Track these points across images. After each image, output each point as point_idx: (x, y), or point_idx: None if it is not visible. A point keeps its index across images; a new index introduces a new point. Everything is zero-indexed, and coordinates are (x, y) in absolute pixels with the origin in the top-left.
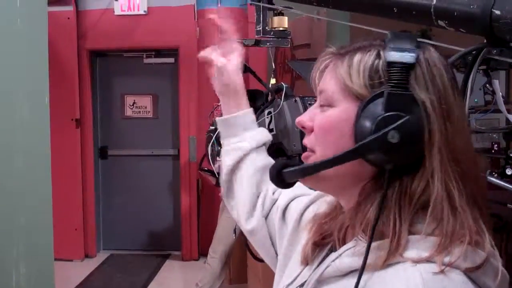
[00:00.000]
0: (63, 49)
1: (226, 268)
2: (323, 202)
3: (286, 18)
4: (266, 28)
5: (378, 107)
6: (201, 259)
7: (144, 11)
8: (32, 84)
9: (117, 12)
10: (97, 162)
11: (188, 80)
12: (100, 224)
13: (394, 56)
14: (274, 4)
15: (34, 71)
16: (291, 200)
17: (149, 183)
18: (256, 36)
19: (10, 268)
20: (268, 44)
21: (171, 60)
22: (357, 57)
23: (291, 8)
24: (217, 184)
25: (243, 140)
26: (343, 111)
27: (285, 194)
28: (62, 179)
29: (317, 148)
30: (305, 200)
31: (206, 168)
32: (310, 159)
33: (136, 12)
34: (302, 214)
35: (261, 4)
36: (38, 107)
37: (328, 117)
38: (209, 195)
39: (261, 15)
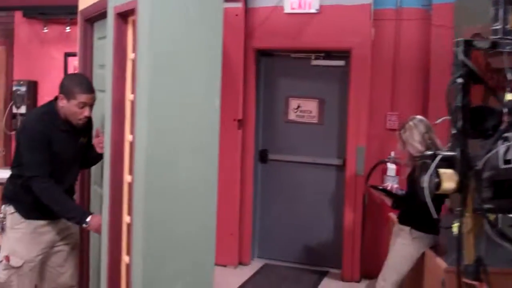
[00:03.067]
0: (231, 47)
1: None
2: None
3: None
4: (507, 27)
5: None
6: (362, 282)
7: (316, 10)
8: (205, 84)
9: (287, 10)
10: (257, 165)
11: (360, 85)
12: (256, 230)
13: None
14: None
15: (208, 70)
16: None
17: (309, 192)
18: (492, 36)
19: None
20: (508, 47)
21: (341, 62)
22: None
23: None
24: (395, 206)
25: None
26: None
27: None
28: (221, 181)
29: None
30: None
31: (380, 187)
32: None
33: (307, 10)
34: None
35: None
36: (209, 107)
37: None
38: (374, 213)
39: (501, 10)
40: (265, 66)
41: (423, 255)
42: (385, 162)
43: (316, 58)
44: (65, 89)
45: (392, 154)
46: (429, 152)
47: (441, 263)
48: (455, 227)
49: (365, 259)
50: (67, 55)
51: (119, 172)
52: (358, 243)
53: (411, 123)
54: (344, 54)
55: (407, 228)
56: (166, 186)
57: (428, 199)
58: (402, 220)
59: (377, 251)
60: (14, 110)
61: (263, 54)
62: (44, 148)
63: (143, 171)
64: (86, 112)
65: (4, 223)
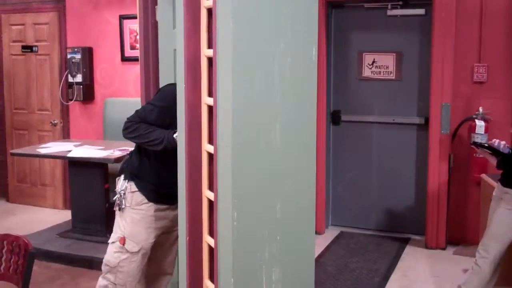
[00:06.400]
0: None
1: (498, 271)
2: None
3: None
4: None
5: None
6: (448, 249)
7: None
8: (299, 29)
9: None
10: (329, 128)
11: (443, 35)
12: (329, 197)
13: None
14: None
15: (303, 13)
16: None
17: (387, 155)
18: None
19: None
20: None
21: (422, 11)
22: None
23: None
24: (500, 165)
25: None
26: None
27: None
28: None
29: None
30: None
31: (486, 144)
32: None
33: None
34: None
35: None
36: (305, 58)
37: None
38: (461, 175)
39: None
40: (336, 19)
41: None
42: (473, 119)
43: (393, 8)
44: None
45: (480, 109)
46: None
47: None
48: None
49: (451, 224)
50: (123, 17)
51: (197, 141)
52: (444, 207)
53: None
54: (424, 1)
55: None
56: (257, 156)
57: None
58: (507, 182)
59: (464, 215)
60: (70, 80)
61: (334, 5)
62: (163, 113)
63: (229, 139)
64: None
65: (123, 200)
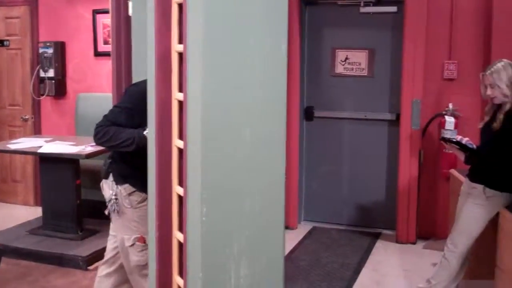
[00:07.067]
0: None
1: (466, 265)
2: None
3: None
4: None
5: None
6: (418, 243)
7: None
8: (268, 24)
9: None
10: (302, 124)
11: (415, 32)
12: (302, 193)
13: None
14: None
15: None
16: None
17: (359, 151)
18: None
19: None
20: None
21: (394, 9)
22: None
23: None
24: (467, 161)
25: None
26: None
27: None
28: None
29: None
30: None
31: (454, 140)
32: None
33: None
34: None
35: None
36: (274, 55)
37: None
38: (432, 170)
39: None
40: (310, 15)
41: (496, 216)
42: (443, 115)
43: (366, 5)
44: None
45: (450, 106)
46: None
47: None
48: None
49: (421, 219)
50: (96, 12)
51: (167, 137)
52: (414, 202)
53: (500, 64)
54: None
55: (480, 187)
56: (227, 151)
57: None
58: (474, 178)
59: (434, 210)
60: (42, 74)
61: (308, 2)
62: (131, 114)
63: (198, 134)
64: None
65: (117, 204)
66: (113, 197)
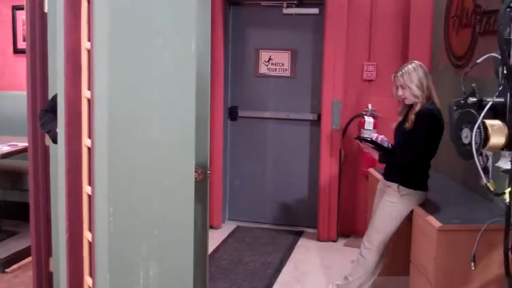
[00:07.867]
0: None
1: (382, 261)
2: None
3: None
4: None
5: None
6: (339, 241)
7: None
8: (176, 21)
9: None
10: (226, 123)
11: (335, 34)
12: (226, 192)
13: None
14: None
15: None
16: None
17: (282, 150)
18: None
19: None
20: None
21: (316, 10)
22: None
23: None
24: (381, 159)
25: None
26: None
27: None
28: None
29: None
30: None
31: (369, 138)
32: None
33: None
34: None
35: None
36: (183, 52)
37: None
38: (351, 169)
39: None
40: (234, 16)
41: (410, 213)
42: (362, 115)
43: (288, 6)
44: None
45: (370, 106)
46: (473, 99)
47: (433, 221)
48: (507, 194)
49: (342, 217)
50: (16, 8)
51: (77, 136)
52: (335, 201)
53: (410, 66)
54: (318, 1)
55: (394, 185)
56: (134, 150)
57: (476, 158)
58: (389, 176)
59: (354, 208)
60: None
61: (232, 3)
62: None
63: (105, 133)
64: None
65: None
66: None
